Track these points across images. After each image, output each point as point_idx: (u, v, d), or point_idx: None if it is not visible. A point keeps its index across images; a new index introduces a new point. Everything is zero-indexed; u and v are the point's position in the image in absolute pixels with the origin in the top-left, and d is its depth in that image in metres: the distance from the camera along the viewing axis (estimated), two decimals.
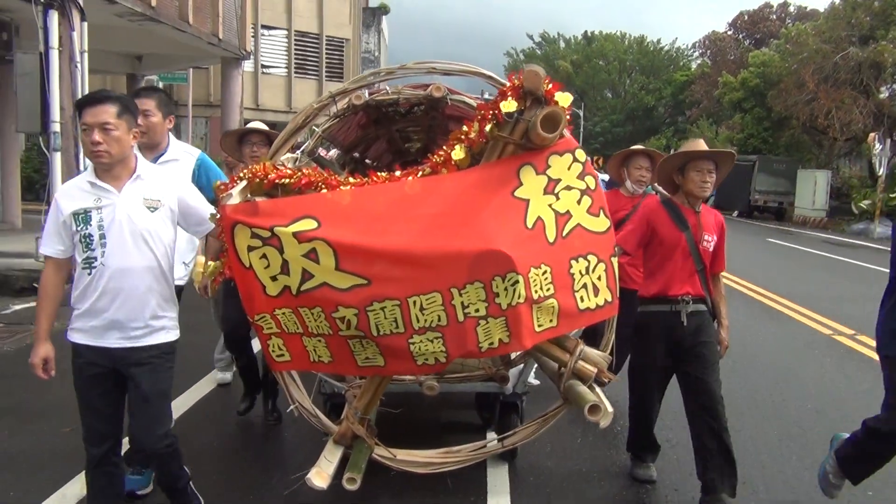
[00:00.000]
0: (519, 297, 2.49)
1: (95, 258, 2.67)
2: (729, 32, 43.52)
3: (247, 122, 5.83)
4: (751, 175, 27.45)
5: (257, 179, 2.68)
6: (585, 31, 55.46)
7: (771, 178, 27.82)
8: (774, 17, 41.67)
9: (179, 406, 4.44)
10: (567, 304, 2.64)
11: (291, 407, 2.88)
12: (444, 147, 2.71)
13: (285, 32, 23.46)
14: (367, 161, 5.66)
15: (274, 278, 2.55)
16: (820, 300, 9.46)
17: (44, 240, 2.77)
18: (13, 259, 8.26)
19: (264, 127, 4.34)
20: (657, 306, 3.50)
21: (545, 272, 2.58)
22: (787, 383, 5.65)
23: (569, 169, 2.70)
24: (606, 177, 6.97)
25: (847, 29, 25.57)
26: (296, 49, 23.72)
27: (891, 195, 21.30)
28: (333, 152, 5.11)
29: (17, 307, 7.29)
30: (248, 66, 17.57)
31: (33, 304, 4.06)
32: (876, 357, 3.24)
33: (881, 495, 3.65)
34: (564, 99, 2.55)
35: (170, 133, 3.69)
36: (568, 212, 2.68)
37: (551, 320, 2.62)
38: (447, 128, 4.09)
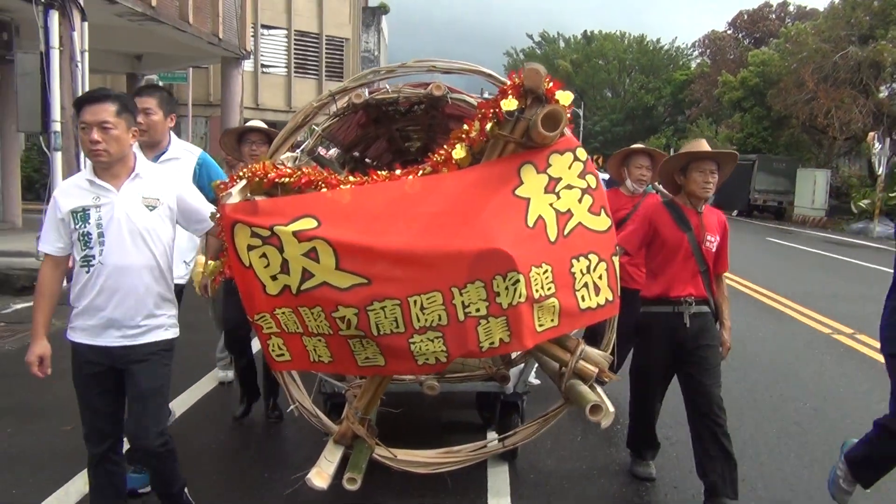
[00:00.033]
0: (520, 297, 2.48)
1: (93, 256, 2.66)
2: (728, 32, 43.47)
3: (246, 121, 5.81)
4: (750, 174, 27.44)
5: (257, 178, 2.68)
6: (585, 31, 55.46)
7: (770, 178, 27.81)
8: (774, 16, 41.65)
9: (179, 406, 4.43)
10: (568, 304, 2.64)
11: (292, 406, 2.87)
12: (445, 146, 2.70)
13: (285, 32, 23.44)
14: (367, 160, 5.65)
15: (274, 277, 2.54)
16: (819, 299, 9.45)
17: (42, 237, 2.76)
18: (14, 258, 8.28)
19: (264, 125, 4.33)
20: (660, 307, 3.49)
21: (546, 271, 2.58)
22: (786, 382, 5.64)
23: (570, 168, 2.70)
24: (606, 176, 6.96)
25: (846, 28, 25.57)
26: (295, 49, 23.70)
27: (890, 194, 21.34)
28: (333, 151, 5.11)
29: (18, 306, 7.29)
30: (247, 65, 17.54)
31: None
32: (876, 356, 3.25)
33: (882, 496, 3.65)
34: (565, 97, 2.55)
35: (171, 132, 3.68)
36: (569, 210, 2.68)
37: (552, 320, 2.62)
38: (447, 127, 4.08)
